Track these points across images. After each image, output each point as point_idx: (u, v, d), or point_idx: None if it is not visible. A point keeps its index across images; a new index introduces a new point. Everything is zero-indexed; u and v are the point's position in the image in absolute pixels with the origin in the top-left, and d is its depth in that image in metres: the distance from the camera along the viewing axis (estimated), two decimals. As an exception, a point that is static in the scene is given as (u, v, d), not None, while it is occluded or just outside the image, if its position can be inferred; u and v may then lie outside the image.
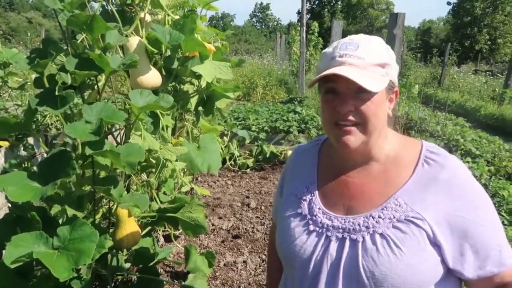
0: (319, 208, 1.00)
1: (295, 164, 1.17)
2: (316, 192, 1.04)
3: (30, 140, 3.09)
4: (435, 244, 0.88)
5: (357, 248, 0.89)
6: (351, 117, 0.91)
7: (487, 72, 18.30)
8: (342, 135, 0.93)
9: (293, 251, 0.98)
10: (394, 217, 0.89)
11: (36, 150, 3.10)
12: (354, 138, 0.92)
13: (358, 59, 0.89)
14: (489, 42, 34.41)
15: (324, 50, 0.98)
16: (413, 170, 0.95)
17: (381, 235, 0.88)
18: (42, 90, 1.24)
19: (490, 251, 0.88)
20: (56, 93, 1.14)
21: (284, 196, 1.13)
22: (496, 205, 3.68)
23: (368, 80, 0.87)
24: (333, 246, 0.93)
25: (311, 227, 0.98)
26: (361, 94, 0.90)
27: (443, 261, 0.89)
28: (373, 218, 0.91)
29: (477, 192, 0.92)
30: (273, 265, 1.30)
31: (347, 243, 0.91)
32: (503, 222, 3.31)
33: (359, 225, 0.92)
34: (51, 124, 4.12)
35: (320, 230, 0.96)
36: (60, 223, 1.30)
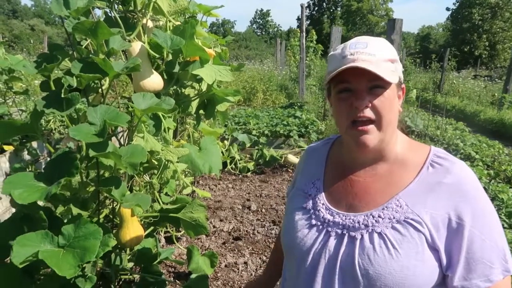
0: (323, 204, 1.02)
1: (306, 162, 1.21)
2: (322, 188, 1.06)
3: (34, 144, 3.14)
4: (434, 249, 0.88)
5: (354, 245, 0.91)
6: (368, 113, 0.92)
7: (486, 77, 18.34)
8: (359, 135, 0.93)
9: (294, 243, 1.01)
10: (393, 218, 0.90)
11: (40, 154, 3.15)
12: (372, 137, 0.93)
13: (369, 55, 0.90)
14: (488, 48, 34.52)
15: (331, 53, 0.99)
16: (418, 172, 0.95)
17: (379, 234, 0.89)
18: (48, 93, 1.29)
19: (480, 264, 0.86)
20: (62, 96, 1.18)
21: (293, 190, 1.17)
22: (496, 208, 3.69)
23: (382, 72, 0.88)
24: (332, 241, 0.95)
25: (313, 222, 1.00)
26: (375, 89, 0.91)
27: (441, 266, 0.89)
28: (373, 217, 0.92)
29: (481, 202, 0.90)
30: (274, 254, 1.40)
31: (346, 239, 0.93)
32: (502, 225, 3.33)
33: (358, 222, 0.93)
34: (54, 129, 4.17)
35: (321, 225, 0.99)
36: (65, 222, 1.34)
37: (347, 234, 0.94)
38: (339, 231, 0.95)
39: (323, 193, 1.05)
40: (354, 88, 0.93)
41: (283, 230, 1.10)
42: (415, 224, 0.88)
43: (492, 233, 0.88)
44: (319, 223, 0.99)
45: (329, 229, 0.97)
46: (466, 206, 0.88)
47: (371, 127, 0.93)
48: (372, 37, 0.97)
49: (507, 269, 0.88)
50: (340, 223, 0.96)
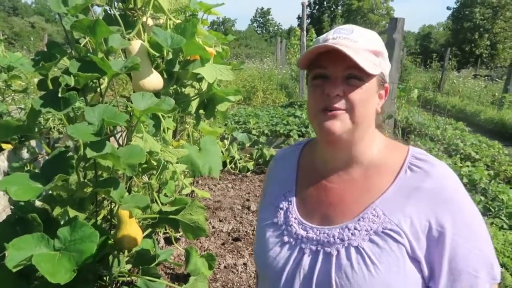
0: (295, 218, 0.94)
1: (275, 170, 1.12)
2: (294, 200, 0.98)
3: (33, 142, 3.11)
4: (415, 260, 0.82)
5: (330, 262, 0.84)
6: (339, 103, 0.85)
7: (487, 77, 18.34)
8: (326, 119, 0.86)
9: (266, 263, 0.94)
10: (371, 229, 0.83)
11: (38, 153, 3.12)
12: (340, 124, 0.85)
13: (352, 41, 0.84)
14: (489, 47, 34.54)
15: (317, 38, 0.94)
16: (395, 177, 0.88)
17: (357, 248, 0.82)
18: (45, 92, 1.26)
19: (465, 274, 0.80)
20: (60, 95, 1.16)
21: (263, 204, 1.07)
22: (496, 209, 3.67)
23: (361, 60, 0.82)
24: (306, 259, 0.87)
25: (285, 238, 0.93)
26: (352, 80, 0.85)
27: (423, 278, 0.83)
28: (348, 229, 0.85)
29: (465, 207, 0.84)
30: None
31: (321, 256, 0.86)
32: (502, 226, 3.29)
33: (333, 237, 0.86)
34: (53, 127, 4.15)
35: (294, 242, 0.91)
36: (62, 224, 1.32)
37: (322, 250, 0.86)
38: (314, 248, 0.87)
39: (295, 206, 0.97)
40: (329, 74, 0.86)
41: (255, 249, 1.01)
42: (394, 234, 0.81)
43: (476, 240, 0.83)
44: (292, 240, 0.92)
45: (303, 245, 0.89)
46: (448, 212, 0.81)
47: (342, 113, 0.85)
48: (363, 28, 0.91)
49: (494, 277, 0.82)
50: (314, 238, 0.88)
